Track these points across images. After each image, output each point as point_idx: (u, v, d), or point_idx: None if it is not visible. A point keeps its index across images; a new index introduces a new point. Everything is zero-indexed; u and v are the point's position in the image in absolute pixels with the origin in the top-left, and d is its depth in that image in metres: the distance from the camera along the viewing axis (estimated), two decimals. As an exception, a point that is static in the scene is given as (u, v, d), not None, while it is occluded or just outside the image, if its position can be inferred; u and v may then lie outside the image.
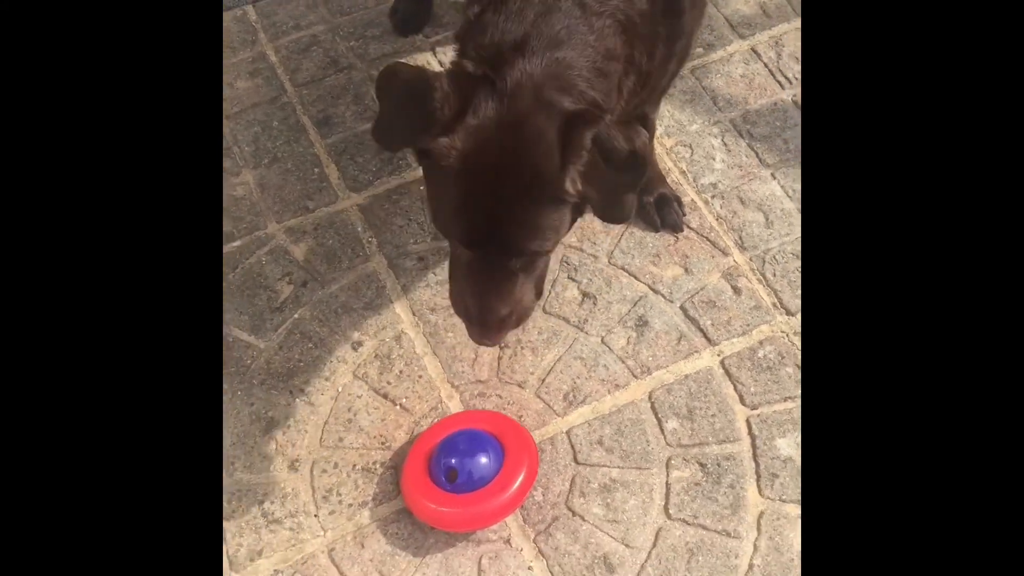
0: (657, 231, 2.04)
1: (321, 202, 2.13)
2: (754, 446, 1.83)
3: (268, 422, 1.85)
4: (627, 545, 1.73)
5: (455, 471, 1.70)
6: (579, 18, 1.40)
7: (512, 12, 1.39)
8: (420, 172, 2.11)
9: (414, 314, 1.97)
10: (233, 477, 1.79)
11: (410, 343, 1.94)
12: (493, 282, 1.46)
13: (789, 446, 1.82)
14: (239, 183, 2.15)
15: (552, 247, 1.46)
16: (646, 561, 1.71)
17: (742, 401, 1.88)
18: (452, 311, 1.92)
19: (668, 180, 2.09)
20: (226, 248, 2.06)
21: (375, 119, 1.50)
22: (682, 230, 2.04)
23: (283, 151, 2.20)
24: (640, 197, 1.86)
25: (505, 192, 1.35)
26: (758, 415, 1.86)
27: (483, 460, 1.72)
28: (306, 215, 2.11)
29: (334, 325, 1.96)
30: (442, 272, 2.03)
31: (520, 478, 1.70)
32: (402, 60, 1.60)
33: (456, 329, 1.94)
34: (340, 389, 1.89)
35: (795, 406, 1.87)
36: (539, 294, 1.56)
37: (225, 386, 1.89)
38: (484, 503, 1.68)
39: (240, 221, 2.10)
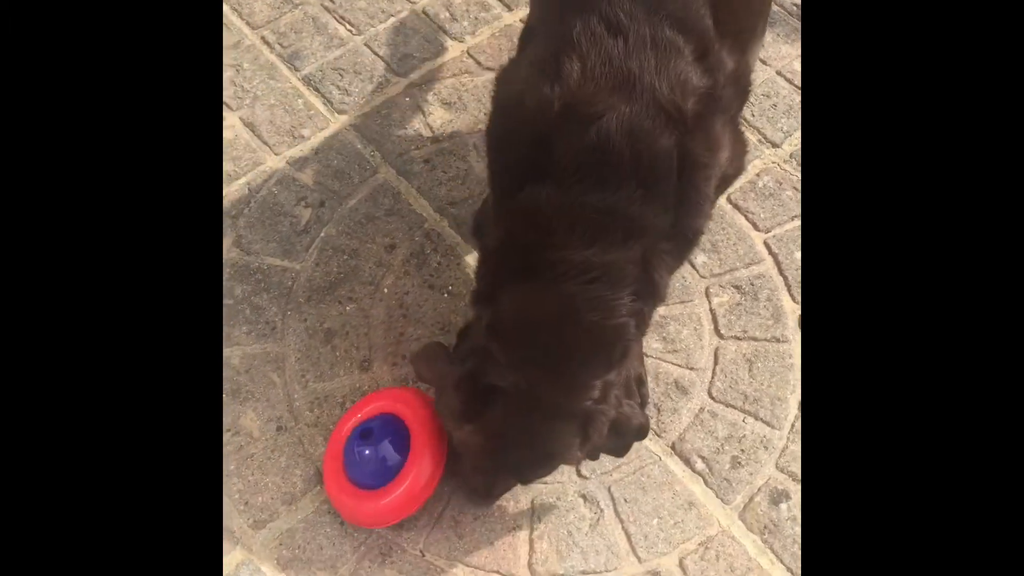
0: None
1: (314, 128, 2.16)
2: (777, 262, 1.99)
3: (326, 333, 1.89)
4: (691, 368, 1.86)
5: (369, 431, 1.67)
6: (598, 337, 1.47)
7: (535, 331, 1.47)
8: (402, 85, 2.18)
9: (436, 211, 2.04)
10: (308, 388, 1.83)
11: (439, 237, 2.01)
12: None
13: (807, 257, 2.00)
14: (227, 127, 2.16)
15: None
16: (712, 378, 1.85)
17: (756, 227, 2.04)
18: (472, 202, 2.01)
19: None
20: (234, 186, 2.07)
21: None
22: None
23: (261, 89, 2.22)
24: None
25: (521, 468, 1.59)
26: (773, 236, 2.03)
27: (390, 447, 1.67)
28: (303, 143, 2.14)
29: (362, 235, 2.01)
30: (451, 169, 2.10)
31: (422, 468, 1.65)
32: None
33: (481, 215, 2.03)
34: (386, 291, 1.94)
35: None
36: None
37: (274, 309, 1.92)
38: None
39: (239, 160, 2.11)
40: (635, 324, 1.48)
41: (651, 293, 1.50)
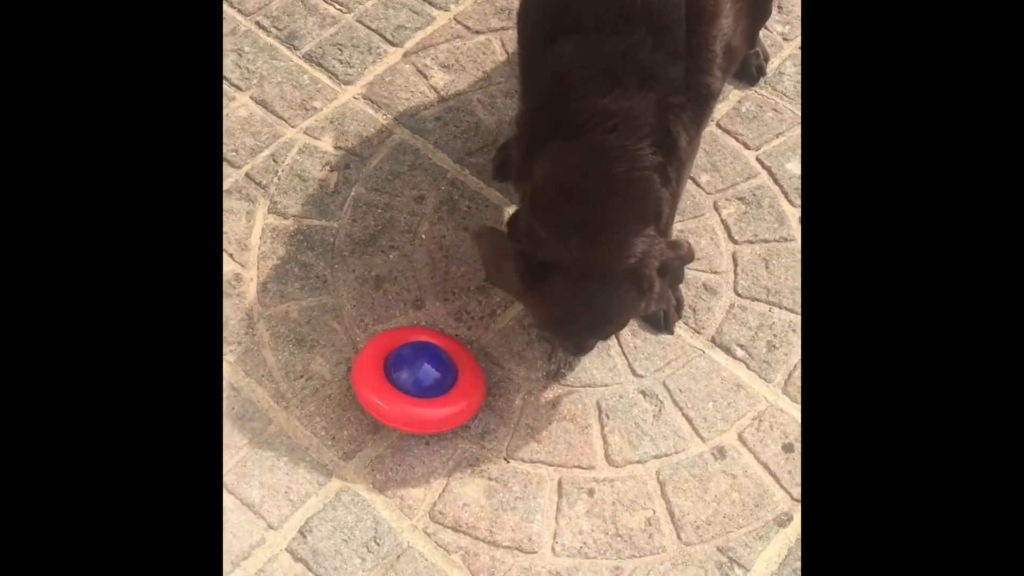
0: (658, 331, 1.97)
1: (324, 100, 2.27)
2: (772, 174, 2.20)
3: (375, 280, 2.00)
4: (715, 272, 2.05)
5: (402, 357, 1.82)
6: (626, 190, 1.57)
7: (568, 194, 1.59)
8: (400, 54, 2.32)
9: (456, 162, 2.18)
10: (368, 331, 1.94)
11: (463, 184, 2.15)
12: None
13: (796, 166, 2.21)
14: (239, 106, 2.25)
15: None
16: (735, 278, 2.04)
17: (747, 147, 2.24)
18: (487, 150, 2.16)
19: None
20: (258, 159, 2.17)
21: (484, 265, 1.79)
22: (671, 333, 1.96)
23: (266, 69, 2.32)
24: None
25: (596, 328, 1.70)
26: (763, 152, 2.23)
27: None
28: (316, 113, 2.25)
29: (391, 190, 2.13)
30: (462, 124, 2.24)
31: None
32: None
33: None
34: (424, 236, 2.07)
35: (787, 137, 2.26)
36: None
37: (322, 264, 2.02)
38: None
39: (259, 135, 2.20)
40: (660, 181, 1.58)
41: (670, 149, 1.59)
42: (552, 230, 1.60)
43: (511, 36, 2.37)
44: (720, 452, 1.82)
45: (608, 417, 1.85)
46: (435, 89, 2.30)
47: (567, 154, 1.58)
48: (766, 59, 2.35)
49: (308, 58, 2.34)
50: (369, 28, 2.40)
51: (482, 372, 1.85)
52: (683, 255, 1.69)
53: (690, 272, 2.04)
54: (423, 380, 1.79)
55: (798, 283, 2.03)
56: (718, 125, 2.27)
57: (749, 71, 2.32)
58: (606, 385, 1.89)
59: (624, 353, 1.93)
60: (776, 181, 2.19)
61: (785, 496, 1.78)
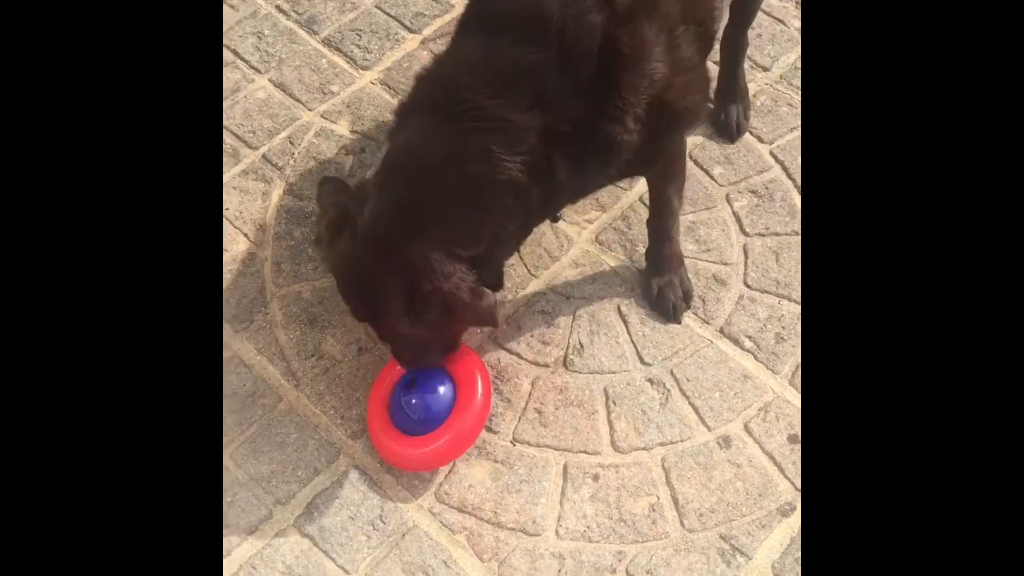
0: (667, 320, 1.96)
1: (342, 84, 2.29)
2: (784, 168, 2.20)
3: (388, 263, 2.02)
4: (725, 264, 2.05)
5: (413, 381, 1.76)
6: (469, 195, 1.53)
7: (413, 170, 1.57)
8: (418, 40, 2.33)
9: (470, 148, 2.19)
10: (380, 313, 1.95)
11: (478, 171, 2.16)
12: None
13: (809, 161, 2.21)
14: (258, 88, 2.27)
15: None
16: (745, 270, 2.05)
17: (761, 140, 2.25)
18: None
19: None
20: (275, 140, 2.19)
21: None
22: (679, 322, 1.95)
23: (285, 52, 2.34)
24: (650, 279, 1.96)
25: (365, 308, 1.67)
26: (776, 146, 2.24)
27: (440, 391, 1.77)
28: (334, 97, 2.27)
29: (406, 174, 2.15)
30: (478, 110, 2.25)
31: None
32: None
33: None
34: (437, 221, 2.08)
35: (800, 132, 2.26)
36: None
37: (336, 246, 2.04)
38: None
39: (276, 117, 2.23)
40: (514, 199, 1.51)
41: (545, 177, 1.52)
42: (378, 197, 1.56)
43: (529, 25, 2.39)
44: (725, 441, 1.84)
45: (615, 404, 1.87)
46: (452, 76, 2.31)
47: (433, 132, 1.54)
48: (746, 116, 2.23)
49: (327, 43, 2.36)
50: (388, 15, 2.42)
51: (490, 387, 1.79)
52: (480, 307, 1.59)
53: (700, 263, 2.05)
54: (432, 407, 1.74)
55: (808, 276, 2.03)
56: (733, 118, 2.27)
57: (729, 128, 2.21)
58: (613, 372, 1.90)
59: (632, 341, 1.94)
60: (789, 175, 2.19)
61: (789, 486, 1.79)
